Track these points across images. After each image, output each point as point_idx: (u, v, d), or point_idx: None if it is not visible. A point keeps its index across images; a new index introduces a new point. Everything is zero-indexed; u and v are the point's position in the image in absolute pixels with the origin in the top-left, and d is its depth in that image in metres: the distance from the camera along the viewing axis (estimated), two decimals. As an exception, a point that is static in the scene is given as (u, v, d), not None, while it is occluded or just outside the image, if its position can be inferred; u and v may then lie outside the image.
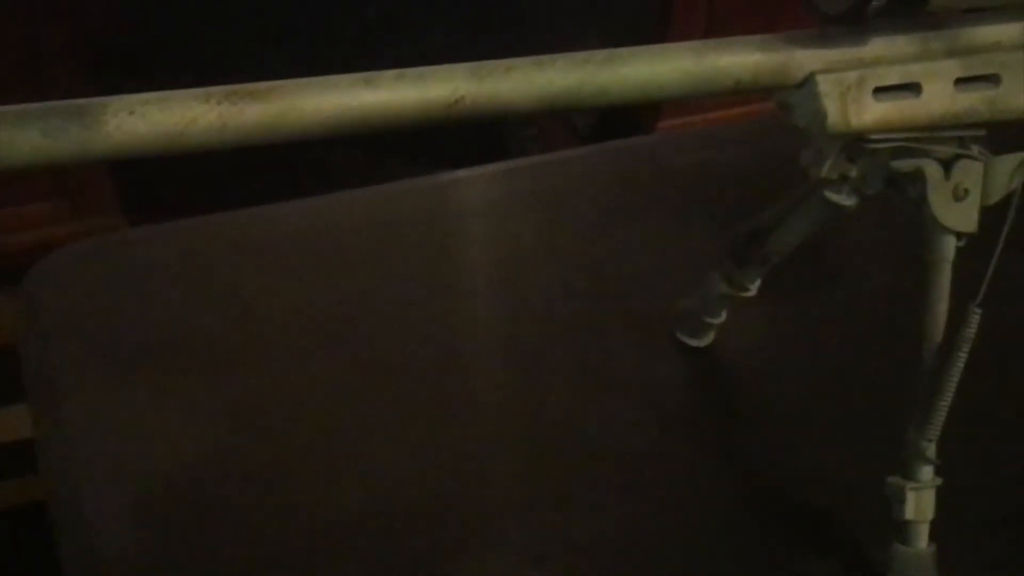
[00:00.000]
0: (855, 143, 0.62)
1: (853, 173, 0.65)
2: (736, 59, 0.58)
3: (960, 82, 0.61)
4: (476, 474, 0.75)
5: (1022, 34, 0.62)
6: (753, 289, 0.79)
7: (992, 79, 0.62)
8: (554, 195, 0.94)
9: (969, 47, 0.61)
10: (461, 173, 0.95)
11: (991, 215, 0.65)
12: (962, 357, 0.65)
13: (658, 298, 0.85)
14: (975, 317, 0.65)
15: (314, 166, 1.40)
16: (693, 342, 0.83)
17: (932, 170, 0.63)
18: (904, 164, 0.63)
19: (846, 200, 0.66)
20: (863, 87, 0.60)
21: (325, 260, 0.88)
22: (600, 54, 0.56)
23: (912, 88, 0.61)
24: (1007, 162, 0.65)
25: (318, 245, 0.89)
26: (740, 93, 0.59)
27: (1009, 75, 0.62)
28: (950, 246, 0.65)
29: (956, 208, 0.64)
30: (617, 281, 0.87)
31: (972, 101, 0.62)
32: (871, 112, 0.60)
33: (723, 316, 0.82)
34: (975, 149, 0.64)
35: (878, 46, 0.60)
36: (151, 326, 0.82)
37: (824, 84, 0.59)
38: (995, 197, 0.65)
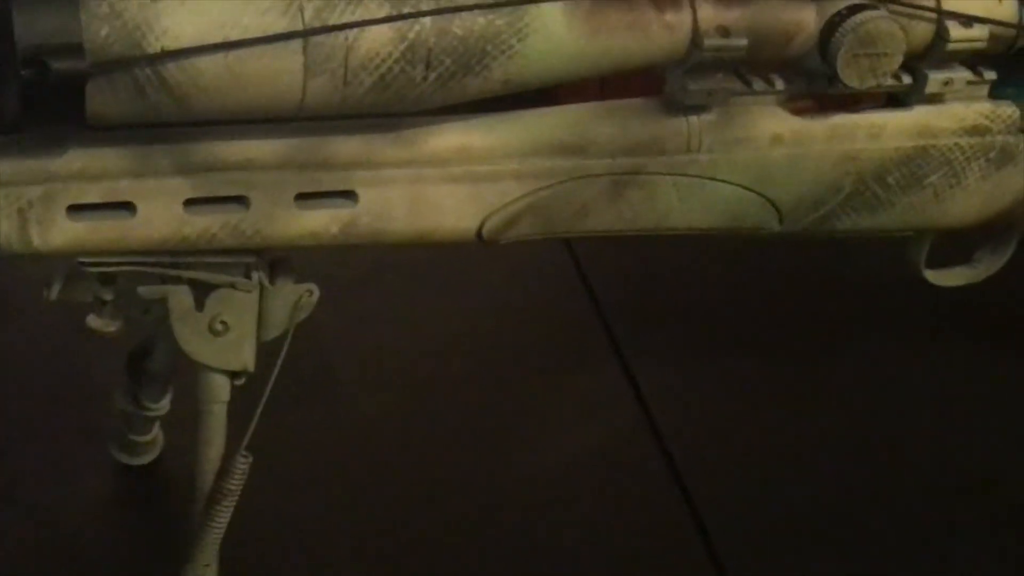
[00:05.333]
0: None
1: (109, 297, 0.58)
2: None
3: (194, 203, 0.54)
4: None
5: (276, 153, 0.54)
6: (162, 407, 0.72)
7: (239, 201, 0.54)
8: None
9: (210, 164, 0.53)
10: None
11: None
12: (224, 511, 0.58)
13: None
14: (241, 466, 0.58)
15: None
16: (132, 461, 0.76)
17: (177, 299, 0.56)
18: (150, 291, 0.56)
19: (109, 326, 0.59)
20: (53, 204, 0.52)
21: None
22: None
23: (126, 207, 0.53)
24: (286, 294, 0.57)
25: None
26: None
27: (261, 198, 0.54)
28: (218, 386, 0.58)
29: (215, 343, 0.57)
30: (73, 390, 0.80)
31: (208, 225, 0.54)
32: (64, 232, 0.52)
33: (153, 432, 0.75)
34: (256, 278, 0.57)
35: (78, 159, 0.52)
36: None
37: None
38: (273, 333, 0.58)
